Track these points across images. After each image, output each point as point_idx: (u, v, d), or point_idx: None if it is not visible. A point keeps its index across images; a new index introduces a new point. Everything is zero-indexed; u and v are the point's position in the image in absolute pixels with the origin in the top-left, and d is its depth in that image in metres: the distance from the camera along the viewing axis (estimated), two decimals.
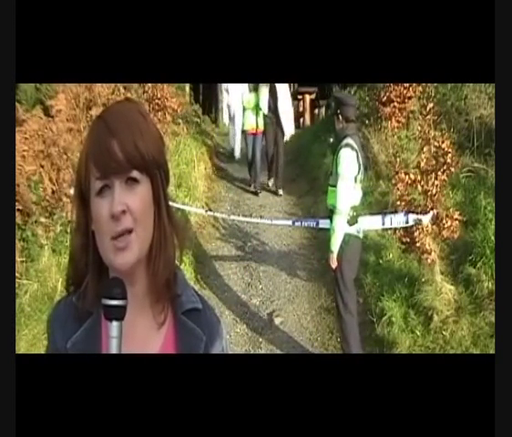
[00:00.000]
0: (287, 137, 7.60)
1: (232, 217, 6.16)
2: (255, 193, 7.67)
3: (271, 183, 7.89)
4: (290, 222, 5.54)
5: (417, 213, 4.32)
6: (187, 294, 1.04)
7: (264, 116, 7.44)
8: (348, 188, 3.64)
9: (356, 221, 3.73)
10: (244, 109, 7.79)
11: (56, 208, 4.96)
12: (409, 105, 6.45)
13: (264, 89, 7.27)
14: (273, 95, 7.29)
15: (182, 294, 1.03)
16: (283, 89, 7.41)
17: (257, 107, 7.54)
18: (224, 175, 8.58)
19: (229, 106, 8.61)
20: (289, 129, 7.51)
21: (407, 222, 4.28)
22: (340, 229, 3.65)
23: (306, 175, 7.73)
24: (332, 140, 3.98)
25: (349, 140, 3.68)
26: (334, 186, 3.72)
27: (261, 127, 7.63)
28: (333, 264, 3.71)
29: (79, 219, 0.99)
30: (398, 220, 4.29)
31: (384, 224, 4.31)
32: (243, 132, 7.97)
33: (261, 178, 7.85)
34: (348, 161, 3.62)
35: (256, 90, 7.54)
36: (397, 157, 5.28)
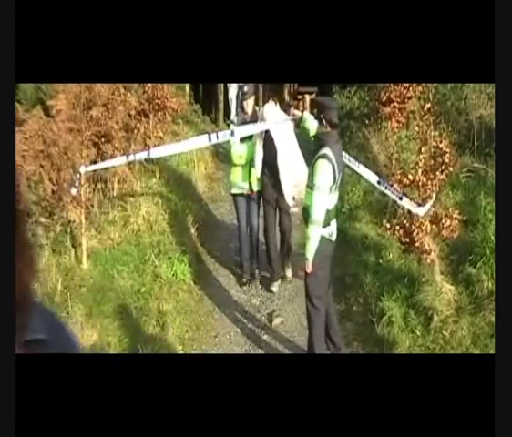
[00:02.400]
0: (292, 208, 5.06)
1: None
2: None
3: (275, 288, 5.22)
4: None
5: (416, 204, 4.28)
6: (32, 322, 0.97)
7: (258, 178, 5.12)
8: (323, 199, 3.66)
9: (328, 224, 3.75)
10: (233, 166, 5.28)
11: (56, 208, 4.97)
12: (409, 105, 6.46)
13: (258, 140, 4.95)
14: (270, 146, 4.87)
15: (28, 322, 0.96)
16: (284, 139, 4.87)
17: (250, 164, 5.15)
18: (224, 175, 8.58)
19: (236, 98, 9.19)
20: (289, 196, 4.93)
21: (400, 199, 4.23)
22: (315, 238, 3.70)
23: None
24: (313, 140, 3.89)
25: (327, 150, 3.63)
26: (311, 188, 3.74)
27: (257, 187, 5.17)
28: (309, 270, 3.77)
29: None
30: (392, 192, 4.26)
31: (379, 184, 4.29)
32: (234, 196, 5.38)
33: (256, 267, 5.49)
34: (324, 174, 3.62)
35: (250, 140, 5.08)
36: (392, 160, 5.28)
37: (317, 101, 4.07)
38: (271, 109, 4.88)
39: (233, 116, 10.85)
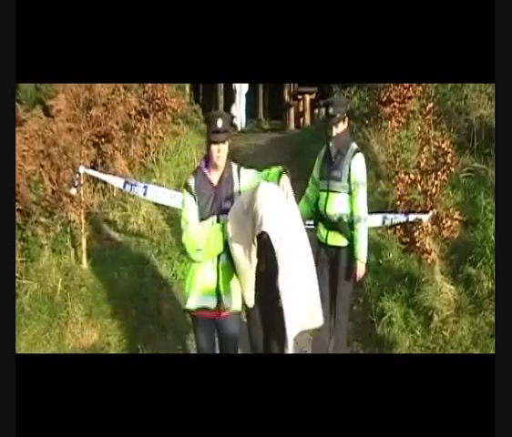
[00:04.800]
0: None
1: None
2: None
3: None
4: None
5: (417, 213, 4.33)
6: None
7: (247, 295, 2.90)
8: (365, 194, 3.53)
9: None
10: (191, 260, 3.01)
11: (56, 208, 4.96)
12: (409, 105, 6.45)
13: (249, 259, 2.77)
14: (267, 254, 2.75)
15: None
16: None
17: (219, 259, 2.90)
18: None
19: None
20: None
21: (408, 220, 4.29)
22: (366, 236, 3.50)
23: (306, 175, 7.68)
24: (331, 145, 3.62)
25: (356, 145, 3.58)
26: (335, 191, 3.53)
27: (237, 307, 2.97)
28: (362, 273, 3.55)
29: None
30: (399, 220, 4.30)
31: (384, 223, 4.32)
32: (191, 314, 3.07)
33: None
34: (363, 167, 3.51)
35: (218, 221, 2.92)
36: (397, 157, 5.27)
37: (336, 101, 3.79)
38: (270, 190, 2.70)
39: (238, 119, 10.99)
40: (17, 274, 4.61)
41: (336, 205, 3.54)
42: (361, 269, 3.53)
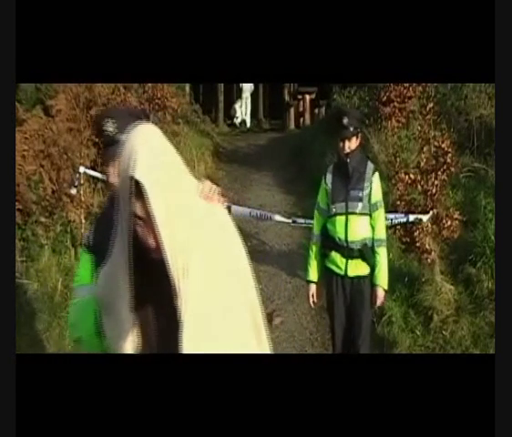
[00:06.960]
0: None
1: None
2: None
3: None
4: (290, 220, 5.53)
5: (417, 213, 4.35)
6: None
7: None
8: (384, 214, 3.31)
9: None
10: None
11: (56, 208, 4.97)
12: (409, 105, 6.46)
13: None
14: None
15: None
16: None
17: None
18: (224, 175, 8.58)
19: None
20: None
21: (408, 221, 4.31)
22: (386, 261, 3.19)
23: (306, 175, 7.71)
24: (348, 161, 3.21)
25: (371, 163, 3.31)
26: (356, 213, 3.16)
27: None
28: (383, 301, 3.26)
29: None
30: (399, 220, 4.31)
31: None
32: None
33: None
34: (380, 185, 3.25)
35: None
36: (397, 157, 5.28)
37: (352, 113, 3.52)
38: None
39: (240, 119, 11.12)
40: (17, 274, 4.61)
41: (359, 229, 3.17)
42: (383, 297, 3.21)
